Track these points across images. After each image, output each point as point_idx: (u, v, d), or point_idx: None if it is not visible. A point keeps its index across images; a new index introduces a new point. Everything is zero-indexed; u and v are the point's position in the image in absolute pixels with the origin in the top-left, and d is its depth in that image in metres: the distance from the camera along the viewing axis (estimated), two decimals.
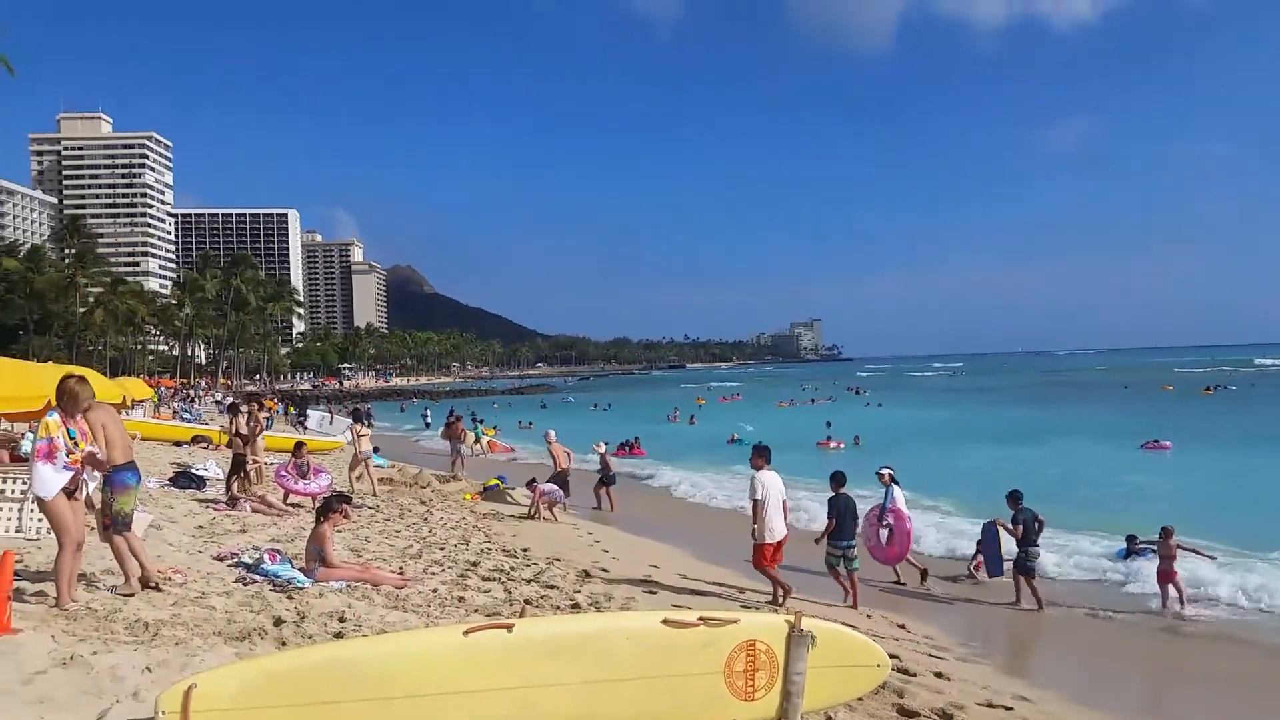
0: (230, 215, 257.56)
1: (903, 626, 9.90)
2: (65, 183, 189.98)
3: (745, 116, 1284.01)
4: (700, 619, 4.60)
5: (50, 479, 6.25)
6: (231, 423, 16.26)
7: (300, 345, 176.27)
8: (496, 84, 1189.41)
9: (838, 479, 11.20)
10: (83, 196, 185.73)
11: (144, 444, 22.08)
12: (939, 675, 7.58)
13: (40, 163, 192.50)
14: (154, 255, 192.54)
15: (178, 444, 25.36)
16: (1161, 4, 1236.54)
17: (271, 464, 16.53)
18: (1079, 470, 25.07)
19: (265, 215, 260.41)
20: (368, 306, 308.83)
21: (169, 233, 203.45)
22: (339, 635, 6.72)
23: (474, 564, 10.74)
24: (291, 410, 54.13)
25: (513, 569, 10.73)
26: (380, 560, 10.30)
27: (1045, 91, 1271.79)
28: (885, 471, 13.00)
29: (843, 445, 33.10)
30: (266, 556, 8.83)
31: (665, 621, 4.56)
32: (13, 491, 9.19)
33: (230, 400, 31.90)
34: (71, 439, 6.38)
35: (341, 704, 3.92)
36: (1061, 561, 13.16)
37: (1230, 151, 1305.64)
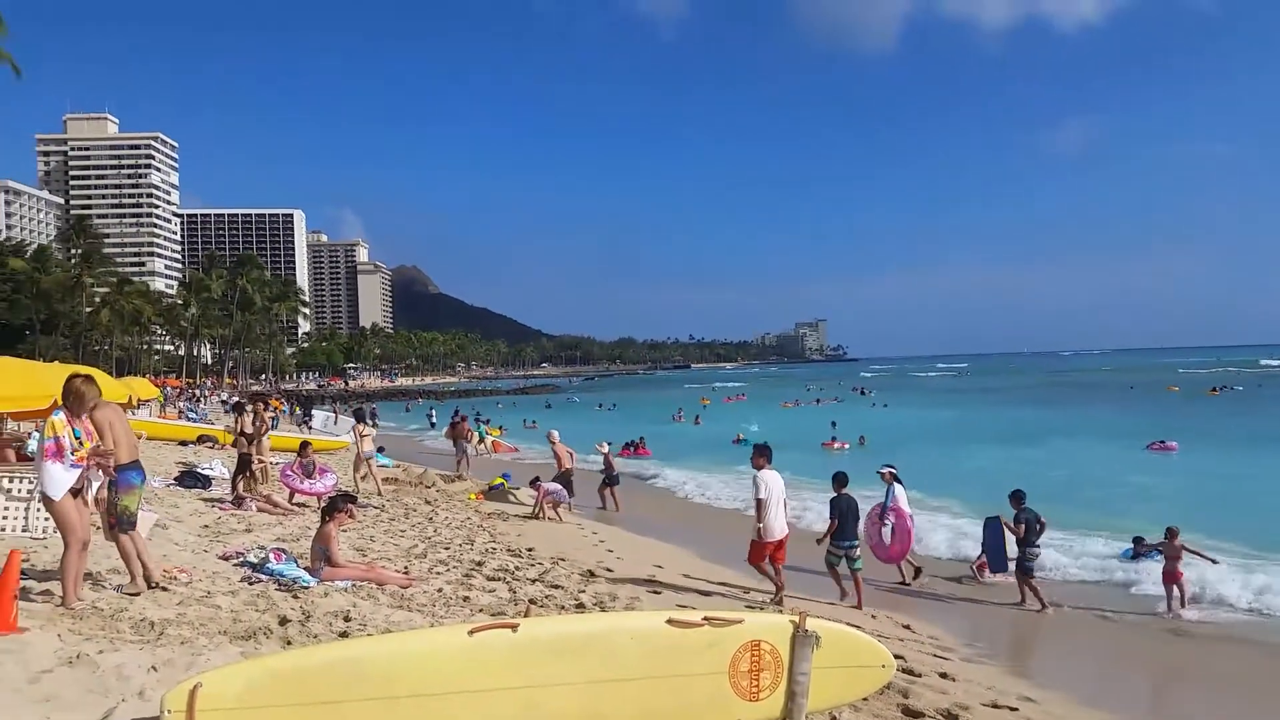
0: (236, 215, 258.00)
1: (908, 627, 9.89)
2: (71, 183, 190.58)
3: (749, 116, 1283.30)
4: (705, 619, 4.60)
5: (60, 478, 6.26)
6: (236, 422, 16.28)
7: (306, 345, 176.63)
8: (498, 84, 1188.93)
9: (839, 479, 11.21)
10: (89, 197, 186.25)
11: (150, 443, 22.15)
12: (944, 676, 7.56)
13: (47, 163, 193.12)
14: (160, 255, 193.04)
15: (183, 443, 25.43)
16: (1165, 5, 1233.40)
17: (277, 464, 16.55)
18: (1085, 471, 25.02)
19: (271, 215, 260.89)
20: (373, 306, 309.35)
21: (175, 233, 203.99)
22: (344, 635, 6.72)
23: (479, 564, 10.75)
24: (297, 410, 54.23)
25: (517, 569, 10.74)
26: (385, 560, 10.32)
27: (1048, 92, 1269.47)
28: (886, 470, 13.01)
29: (848, 446, 33.03)
30: (272, 556, 8.85)
31: (670, 621, 4.56)
32: (19, 491, 9.21)
33: (235, 400, 31.96)
34: (76, 438, 6.40)
35: (346, 703, 3.92)
36: (1068, 562, 13.13)
37: (1233, 152, 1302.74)
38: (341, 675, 3.97)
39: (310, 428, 41.04)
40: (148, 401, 31.25)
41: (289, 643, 6.30)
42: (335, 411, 51.40)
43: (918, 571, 12.58)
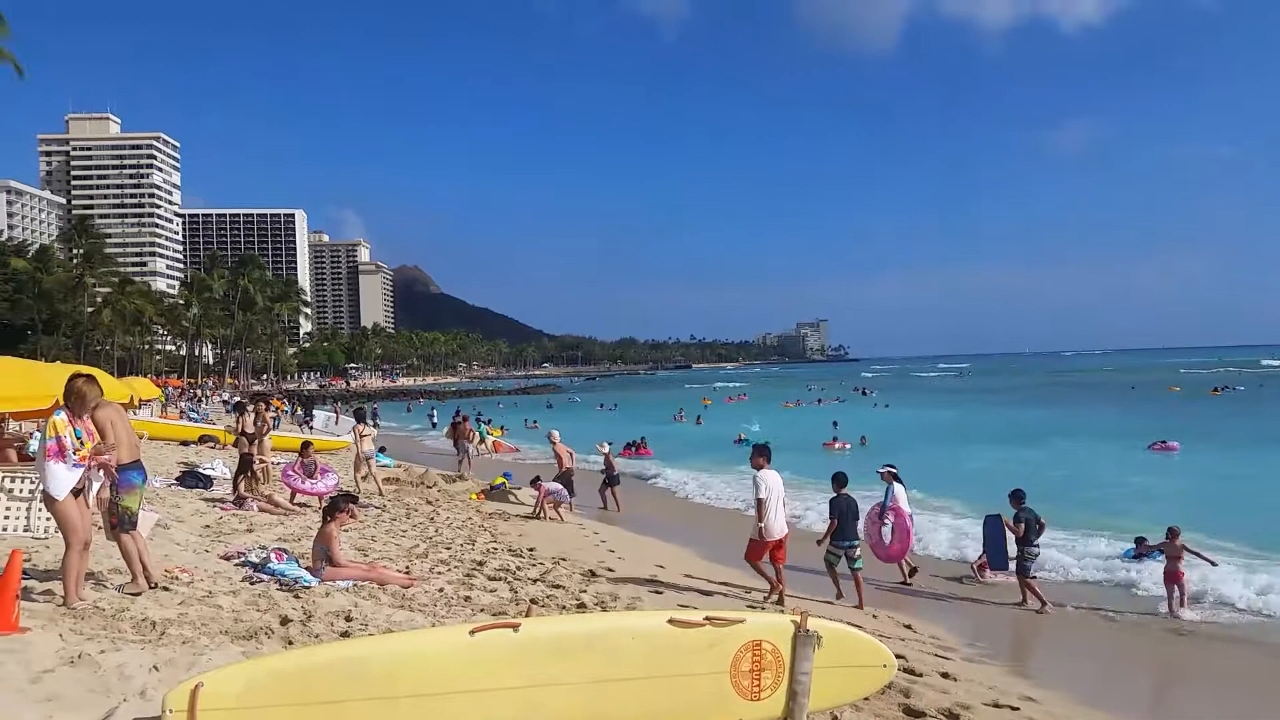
0: (238, 215, 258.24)
1: (909, 626, 9.88)
2: (73, 183, 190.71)
3: (750, 116, 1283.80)
4: (706, 619, 4.60)
5: (63, 477, 6.27)
6: (238, 422, 16.30)
7: (307, 345, 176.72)
8: (499, 84, 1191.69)
9: (839, 480, 11.22)
10: (91, 197, 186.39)
11: (151, 443, 22.18)
12: (945, 675, 7.56)
13: (49, 163, 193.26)
14: (162, 255, 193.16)
15: (185, 443, 25.45)
16: (1168, 5, 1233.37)
17: (278, 463, 16.57)
18: (1086, 471, 25.01)
19: (273, 215, 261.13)
20: (374, 306, 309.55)
21: (176, 233, 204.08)
22: (345, 634, 6.72)
23: (480, 563, 10.75)
24: (298, 410, 54.24)
25: (518, 568, 10.74)
26: (386, 560, 10.32)
27: (1051, 93, 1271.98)
28: (886, 470, 13.02)
29: (849, 446, 32.99)
30: (273, 556, 8.85)
31: (671, 621, 4.56)
32: (20, 491, 9.21)
33: (237, 400, 31.96)
34: (78, 438, 6.40)
35: (348, 703, 3.92)
36: (1070, 562, 13.11)
37: (1236, 153, 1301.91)
38: (343, 675, 3.96)
39: (311, 428, 41.03)
40: (149, 401, 31.25)
41: (290, 642, 6.30)
42: (336, 411, 51.41)
43: (913, 570, 12.60)
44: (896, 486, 12.73)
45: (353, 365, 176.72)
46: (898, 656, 5.88)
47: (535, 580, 10.05)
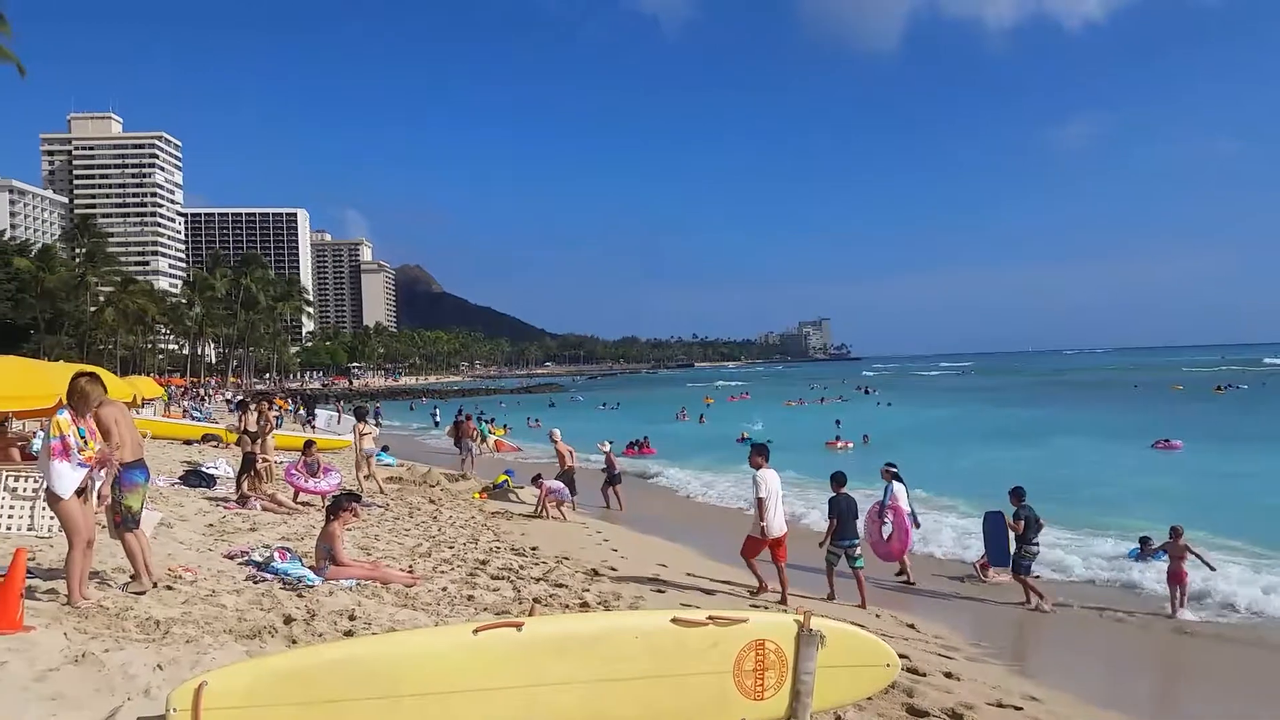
0: (240, 215, 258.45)
1: (912, 626, 9.88)
2: (76, 182, 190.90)
3: (753, 116, 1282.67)
4: (709, 618, 4.59)
5: (67, 476, 6.27)
6: (241, 421, 16.31)
7: (310, 344, 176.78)
8: (502, 84, 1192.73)
9: (838, 479, 11.22)
10: (93, 196, 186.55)
11: (154, 442, 22.20)
12: (948, 675, 7.55)
13: (51, 162, 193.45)
14: (164, 254, 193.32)
15: (188, 442, 25.48)
16: (1171, 3, 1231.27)
17: (281, 462, 16.58)
18: (1089, 469, 24.99)
19: (275, 215, 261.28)
20: (377, 305, 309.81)
21: (179, 232, 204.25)
22: (349, 633, 6.73)
23: (483, 562, 10.75)
24: (301, 409, 54.25)
25: (521, 567, 10.74)
26: (390, 559, 10.32)
27: (1054, 91, 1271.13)
28: (886, 468, 13.01)
29: (851, 445, 32.99)
30: (277, 555, 8.85)
31: (674, 620, 4.56)
32: (24, 490, 9.22)
33: (239, 399, 32.00)
34: (81, 437, 6.40)
35: (351, 702, 3.92)
36: (1075, 562, 13.10)
37: (1239, 150, 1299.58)
38: (346, 674, 3.96)
39: (314, 427, 41.04)
40: (152, 401, 31.32)
41: (294, 641, 6.30)
42: (339, 410, 51.44)
43: (901, 571, 12.59)
44: (896, 485, 12.73)
45: (355, 364, 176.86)
46: (901, 656, 5.89)
47: (538, 579, 10.06)
